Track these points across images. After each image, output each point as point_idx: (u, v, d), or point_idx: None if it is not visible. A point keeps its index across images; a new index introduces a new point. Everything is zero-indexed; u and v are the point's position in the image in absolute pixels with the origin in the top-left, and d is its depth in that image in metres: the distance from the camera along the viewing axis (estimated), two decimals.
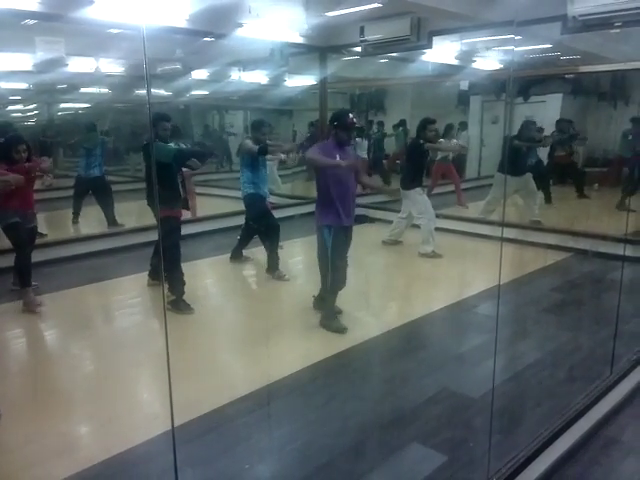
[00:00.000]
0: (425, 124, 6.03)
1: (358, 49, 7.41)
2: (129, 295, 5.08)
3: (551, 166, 9.02)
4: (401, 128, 12.17)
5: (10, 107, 11.16)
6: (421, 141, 6.04)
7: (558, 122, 9.10)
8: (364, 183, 4.58)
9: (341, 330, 4.08)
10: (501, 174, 7.26)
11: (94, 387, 3.39)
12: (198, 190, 7.80)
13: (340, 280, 4.13)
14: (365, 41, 6.87)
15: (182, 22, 5.93)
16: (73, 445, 2.79)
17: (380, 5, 5.96)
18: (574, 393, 3.10)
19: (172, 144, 4.62)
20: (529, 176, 7.26)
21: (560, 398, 3.15)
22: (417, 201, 6.17)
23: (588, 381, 3.22)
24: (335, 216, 4.02)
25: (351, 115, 4.05)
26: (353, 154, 4.23)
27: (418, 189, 6.18)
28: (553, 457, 2.64)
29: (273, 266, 5.41)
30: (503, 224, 6.06)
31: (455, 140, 8.94)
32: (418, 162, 6.16)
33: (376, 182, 6.59)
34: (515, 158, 7.11)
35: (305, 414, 3.07)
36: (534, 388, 3.38)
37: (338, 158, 3.89)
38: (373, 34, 6.76)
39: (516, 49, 6.58)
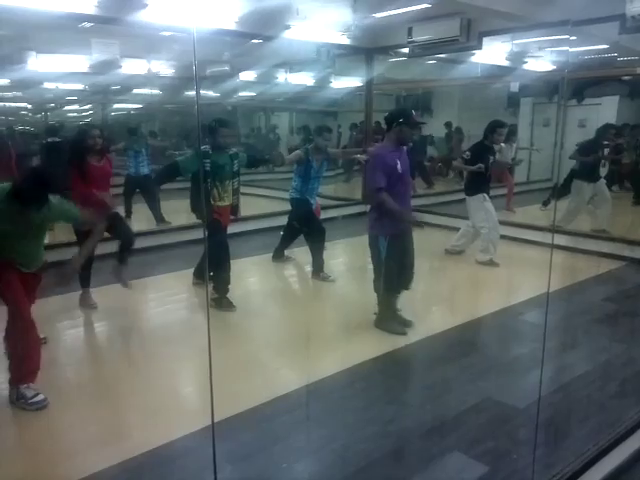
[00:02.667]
0: (495, 127, 5.71)
1: (405, 50, 7.33)
2: (174, 291, 5.19)
3: (614, 172, 8.67)
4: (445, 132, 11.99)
5: (66, 107, 11.64)
6: (487, 144, 5.77)
7: (633, 128, 8.69)
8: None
9: (401, 332, 4.03)
10: (581, 181, 6.87)
11: (137, 380, 3.47)
12: (243, 190, 7.91)
13: (402, 283, 4.07)
14: (413, 42, 6.79)
15: (231, 24, 6.02)
16: (114, 436, 2.87)
17: (429, 6, 5.89)
18: (625, 408, 2.97)
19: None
20: (602, 182, 6.96)
21: (610, 413, 3.02)
22: (480, 208, 5.80)
23: None
24: (389, 226, 3.93)
25: (414, 112, 3.95)
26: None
27: (482, 196, 5.80)
28: (601, 474, 2.54)
29: (318, 268, 5.41)
30: (554, 230, 5.86)
31: (515, 145, 8.77)
32: (484, 166, 5.73)
33: None
34: (592, 164, 6.83)
35: (345, 416, 3.05)
36: (582, 401, 3.25)
37: (399, 164, 3.81)
38: (421, 35, 6.66)
39: (571, 50, 6.37)
